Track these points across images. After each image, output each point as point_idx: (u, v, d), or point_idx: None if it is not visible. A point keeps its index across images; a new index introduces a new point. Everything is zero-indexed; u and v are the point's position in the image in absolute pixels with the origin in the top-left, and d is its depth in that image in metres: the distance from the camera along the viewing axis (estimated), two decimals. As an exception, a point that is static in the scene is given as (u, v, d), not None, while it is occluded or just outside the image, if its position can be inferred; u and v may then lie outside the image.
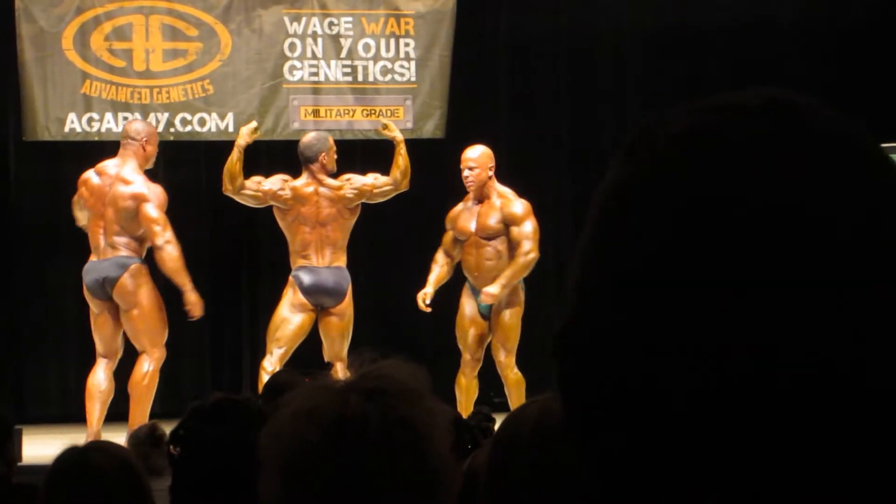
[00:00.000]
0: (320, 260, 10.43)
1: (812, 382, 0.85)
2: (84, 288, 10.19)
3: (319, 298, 10.44)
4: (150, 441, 6.18)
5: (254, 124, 10.82)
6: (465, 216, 10.51)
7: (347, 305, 10.48)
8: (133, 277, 10.03)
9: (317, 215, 10.41)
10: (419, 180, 11.17)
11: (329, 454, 1.94)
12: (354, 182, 10.52)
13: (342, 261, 10.50)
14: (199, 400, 2.81)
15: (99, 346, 10.23)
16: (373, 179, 10.57)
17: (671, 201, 0.88)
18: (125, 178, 10.08)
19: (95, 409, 10.09)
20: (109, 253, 10.07)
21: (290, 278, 10.52)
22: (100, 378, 10.14)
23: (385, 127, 10.95)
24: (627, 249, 0.89)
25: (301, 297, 10.43)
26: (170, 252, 10.05)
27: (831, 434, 0.86)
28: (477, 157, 10.41)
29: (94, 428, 10.01)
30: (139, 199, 10.02)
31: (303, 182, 10.39)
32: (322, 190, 10.39)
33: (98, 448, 3.58)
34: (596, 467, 0.90)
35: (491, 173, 10.45)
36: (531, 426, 2.65)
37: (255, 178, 10.47)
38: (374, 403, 1.95)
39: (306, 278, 10.42)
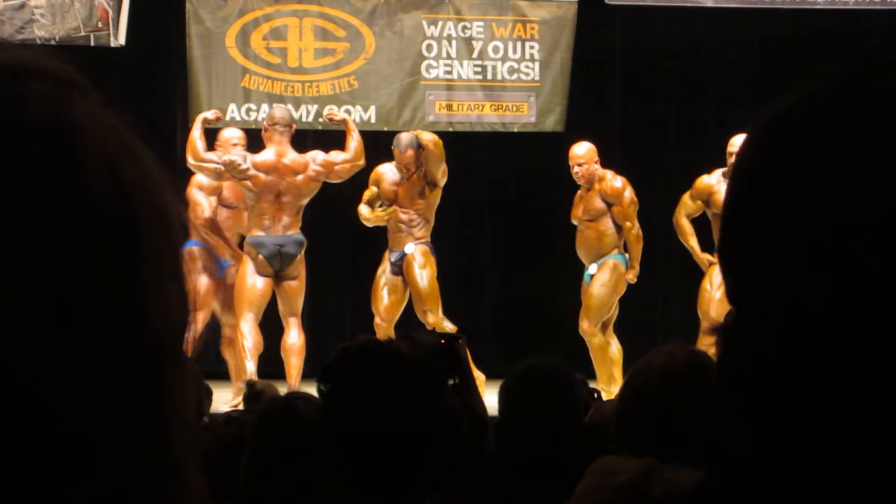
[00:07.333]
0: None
1: None
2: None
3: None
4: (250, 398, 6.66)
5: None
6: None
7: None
8: None
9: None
10: (542, 168, 12.20)
11: None
12: None
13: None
14: (347, 342, 2.89)
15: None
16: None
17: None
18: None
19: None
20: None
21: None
22: None
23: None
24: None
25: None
26: None
27: None
28: (584, 154, 10.95)
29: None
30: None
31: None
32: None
33: (301, 397, 3.67)
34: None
35: (597, 166, 10.98)
36: (660, 372, 2.86)
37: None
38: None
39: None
